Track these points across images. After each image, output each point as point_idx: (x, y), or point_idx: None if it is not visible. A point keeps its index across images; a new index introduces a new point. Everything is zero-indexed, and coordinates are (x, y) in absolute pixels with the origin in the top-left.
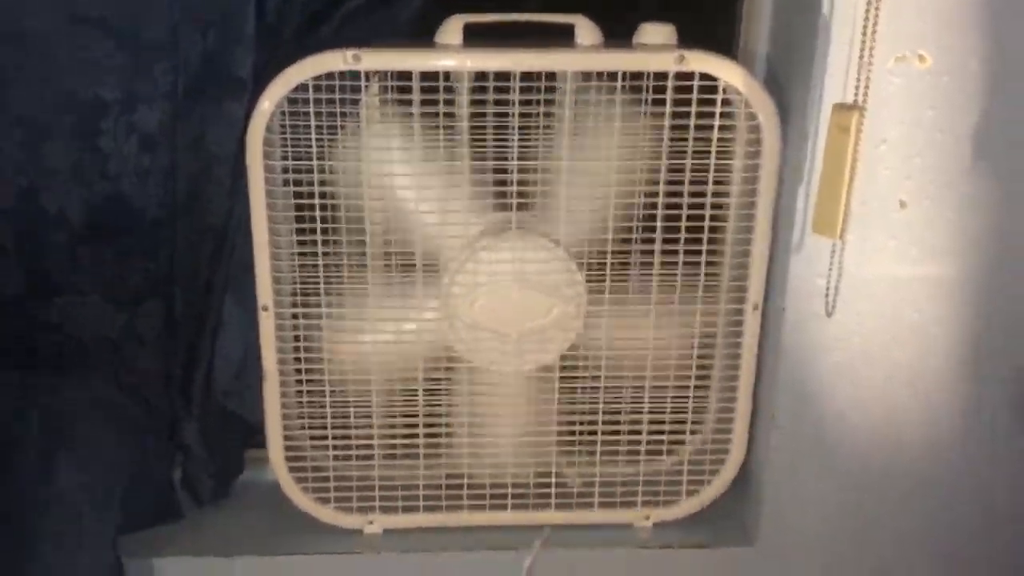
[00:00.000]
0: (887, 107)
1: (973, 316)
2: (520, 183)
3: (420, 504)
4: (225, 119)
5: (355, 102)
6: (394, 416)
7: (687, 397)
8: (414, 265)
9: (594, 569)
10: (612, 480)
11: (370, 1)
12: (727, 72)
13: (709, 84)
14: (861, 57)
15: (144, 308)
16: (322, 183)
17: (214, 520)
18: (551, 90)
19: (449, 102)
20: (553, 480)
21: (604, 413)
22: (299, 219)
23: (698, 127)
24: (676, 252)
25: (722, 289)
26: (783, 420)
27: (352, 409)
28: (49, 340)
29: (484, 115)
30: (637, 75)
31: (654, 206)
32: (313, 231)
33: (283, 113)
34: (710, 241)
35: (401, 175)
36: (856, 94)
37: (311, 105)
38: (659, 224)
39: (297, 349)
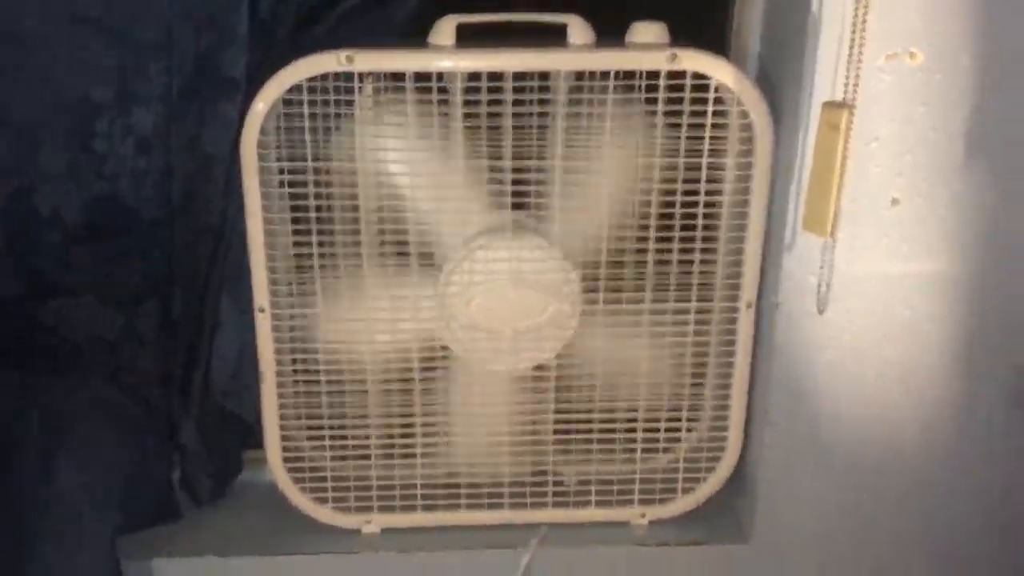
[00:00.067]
0: (878, 104)
1: (966, 313)
2: (515, 183)
3: (418, 503)
4: (219, 120)
5: (349, 103)
6: (391, 416)
7: (683, 395)
8: (409, 263)
9: (591, 567)
10: (609, 478)
11: (365, 1)
12: (719, 71)
13: (701, 83)
14: (850, 55)
15: (141, 309)
16: (317, 183)
17: (212, 520)
18: (545, 90)
19: (443, 102)
20: (550, 479)
21: (600, 411)
22: (295, 220)
23: (691, 126)
24: (670, 251)
25: (716, 287)
26: (777, 418)
27: (349, 409)
28: (46, 341)
29: (478, 115)
30: (630, 74)
31: (648, 204)
32: (309, 232)
33: (278, 114)
34: (703, 239)
35: (398, 173)
36: (846, 92)
37: (305, 106)
38: (652, 223)
39: (294, 350)
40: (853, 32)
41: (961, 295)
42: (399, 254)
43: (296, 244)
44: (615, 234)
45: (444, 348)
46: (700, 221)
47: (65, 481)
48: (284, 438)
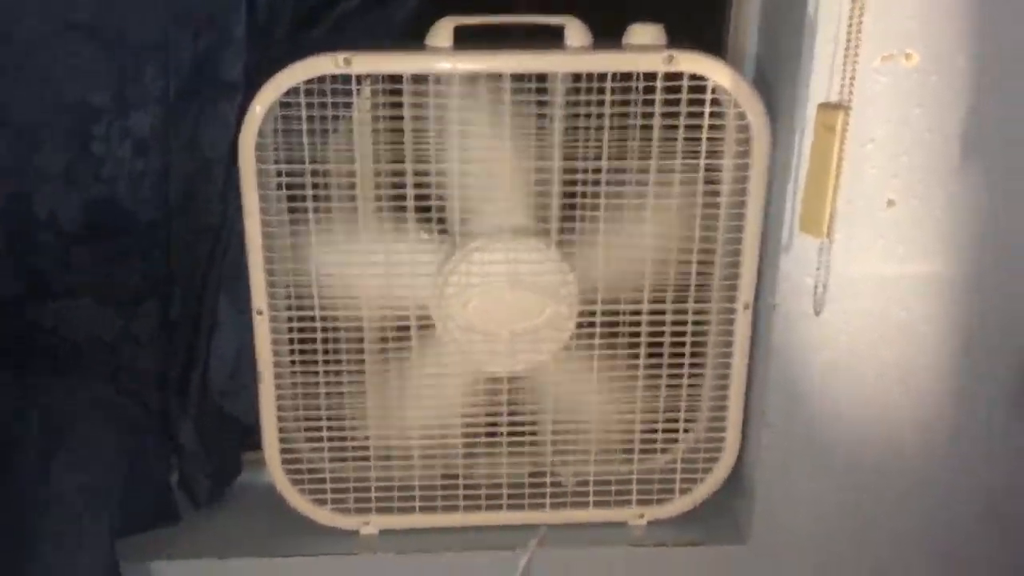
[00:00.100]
0: (874, 106)
1: (963, 314)
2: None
3: (416, 505)
4: (217, 121)
5: (347, 105)
6: (388, 418)
7: (680, 396)
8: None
9: (589, 567)
10: (607, 479)
11: (364, 3)
12: (716, 72)
13: (698, 84)
14: (846, 56)
15: (139, 310)
16: (315, 185)
17: (210, 522)
18: (542, 91)
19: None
20: (548, 480)
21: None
22: (293, 221)
23: (688, 127)
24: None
25: (713, 288)
26: (774, 418)
27: (348, 410)
28: (45, 342)
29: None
30: (627, 76)
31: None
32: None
33: (275, 116)
34: (700, 240)
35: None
36: (842, 93)
37: (303, 108)
38: (648, 224)
39: (292, 351)
40: (849, 34)
41: (958, 296)
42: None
43: (294, 246)
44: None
45: (440, 350)
46: (697, 222)
47: (64, 481)
48: (282, 439)
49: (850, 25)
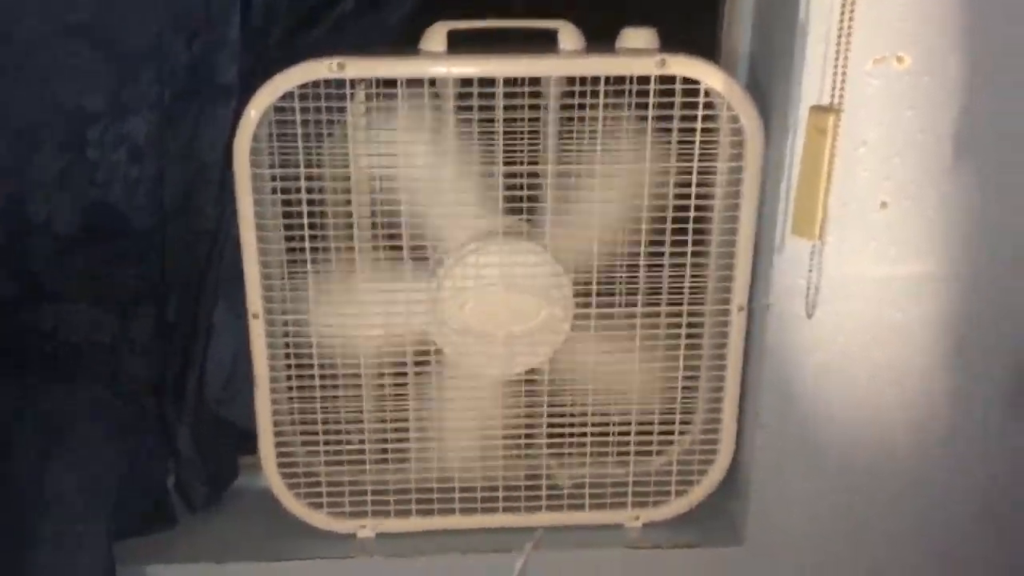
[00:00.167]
0: (866, 108)
1: (956, 315)
2: (507, 188)
3: (412, 508)
4: (212, 126)
5: (341, 109)
6: (385, 420)
7: (675, 398)
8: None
9: (585, 570)
10: (602, 481)
11: (359, 6)
12: (708, 75)
13: (691, 87)
14: (837, 59)
15: (136, 314)
16: (310, 190)
17: (207, 526)
18: (536, 95)
19: (435, 108)
20: (544, 482)
21: (593, 415)
22: (288, 226)
23: (681, 130)
24: (662, 254)
25: (708, 290)
26: (768, 420)
27: (344, 413)
28: (43, 346)
29: (469, 121)
30: (620, 79)
31: (639, 208)
32: (302, 238)
33: (270, 121)
34: (695, 243)
35: (394, 174)
36: (833, 96)
37: (297, 113)
38: (644, 227)
39: (288, 355)
40: (839, 36)
41: (951, 297)
42: (392, 250)
43: (290, 250)
44: (607, 237)
45: (438, 352)
46: (691, 224)
47: (64, 481)
48: (279, 443)
49: (841, 28)
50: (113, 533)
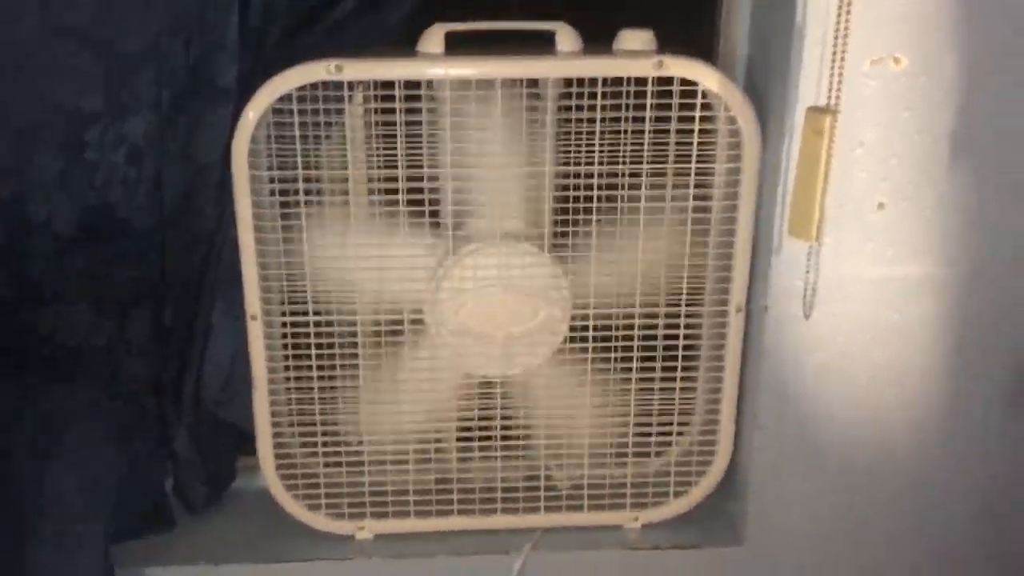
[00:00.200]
0: (863, 109)
1: (954, 315)
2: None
3: (411, 509)
4: (210, 127)
5: (339, 111)
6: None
7: (674, 400)
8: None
9: (584, 571)
10: (601, 482)
11: (359, 6)
12: (706, 77)
13: (688, 89)
14: (833, 61)
15: (134, 316)
16: (308, 191)
17: (205, 527)
18: (534, 96)
19: (432, 110)
20: (542, 483)
21: (590, 416)
22: (286, 227)
23: (679, 131)
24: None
25: (706, 291)
26: (766, 421)
27: (342, 415)
28: (42, 347)
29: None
30: (618, 81)
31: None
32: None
33: (268, 123)
34: (692, 244)
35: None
36: (830, 97)
37: (295, 115)
38: (641, 229)
39: (287, 357)
40: (836, 38)
41: (950, 297)
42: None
43: (288, 252)
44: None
45: (435, 352)
46: (689, 226)
47: (63, 482)
48: (277, 445)
49: (838, 29)
50: (111, 538)
